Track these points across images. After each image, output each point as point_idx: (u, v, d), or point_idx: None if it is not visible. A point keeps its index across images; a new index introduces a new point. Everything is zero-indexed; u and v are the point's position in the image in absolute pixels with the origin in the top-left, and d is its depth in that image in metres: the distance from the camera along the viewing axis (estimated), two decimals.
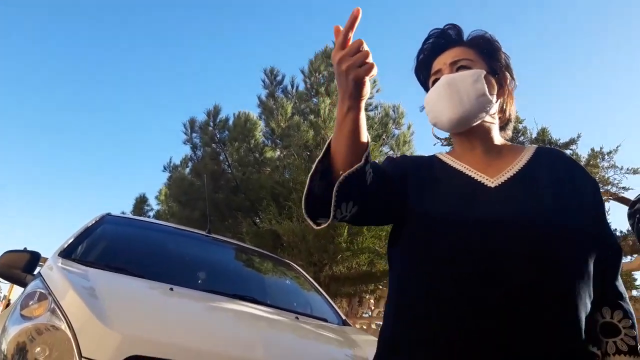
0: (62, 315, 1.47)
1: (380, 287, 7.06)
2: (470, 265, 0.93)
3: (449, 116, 1.07)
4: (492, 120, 1.13)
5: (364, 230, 6.46)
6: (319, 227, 0.98)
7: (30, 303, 1.58)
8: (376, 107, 10.08)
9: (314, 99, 9.38)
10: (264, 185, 7.82)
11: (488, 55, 1.14)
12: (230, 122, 9.56)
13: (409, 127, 9.74)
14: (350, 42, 0.85)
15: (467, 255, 0.94)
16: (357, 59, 0.85)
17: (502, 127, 1.19)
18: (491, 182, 1.03)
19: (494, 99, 1.10)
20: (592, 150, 4.96)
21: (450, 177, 1.09)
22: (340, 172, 0.91)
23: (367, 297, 7.56)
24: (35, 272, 2.18)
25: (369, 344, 2.20)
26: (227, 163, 9.30)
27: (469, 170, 1.08)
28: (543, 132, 5.07)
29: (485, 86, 1.07)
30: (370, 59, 0.85)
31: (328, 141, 0.96)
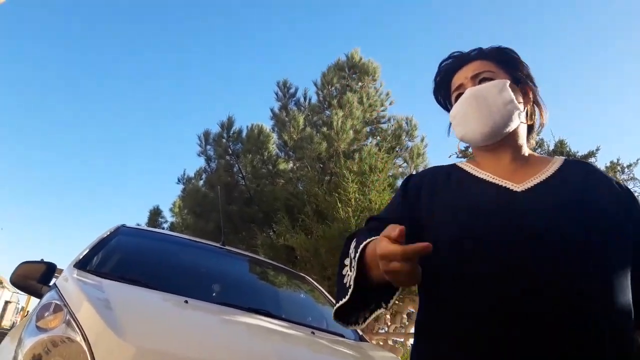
0: (78, 327, 1.46)
1: (397, 302, 6.97)
2: (487, 267, 0.92)
3: (480, 129, 1.06)
4: (521, 128, 1.11)
5: None
6: (352, 327, 1.05)
7: (46, 314, 1.57)
8: (389, 119, 10.08)
9: (327, 111, 9.41)
10: (278, 197, 7.83)
11: (508, 65, 1.14)
12: (244, 134, 9.64)
13: (422, 139, 9.71)
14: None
15: (481, 260, 0.93)
16: (395, 268, 0.80)
17: (528, 135, 1.17)
18: (517, 187, 1.01)
19: (522, 106, 1.09)
20: (611, 162, 4.89)
21: (470, 184, 1.08)
22: (378, 306, 1.00)
23: (383, 312, 7.47)
24: (51, 284, 2.18)
25: (385, 359, 2.16)
26: (241, 175, 9.34)
27: (493, 178, 1.06)
28: (561, 144, 5.01)
29: (512, 94, 1.05)
30: (406, 268, 0.79)
31: (362, 248, 0.96)
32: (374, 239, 0.93)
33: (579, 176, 1.04)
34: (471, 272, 0.93)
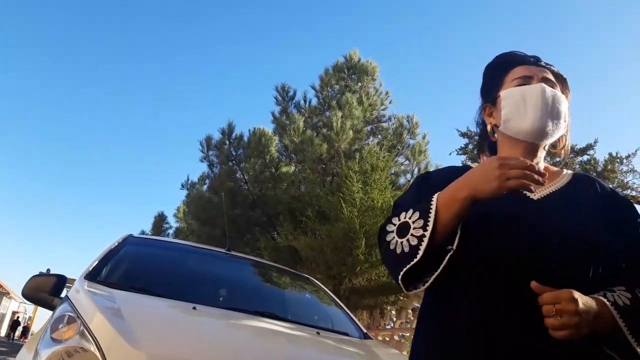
0: (91, 337, 1.52)
1: (401, 297, 7.03)
2: (504, 269, 0.99)
3: (537, 125, 1.09)
4: (551, 144, 1.18)
5: None
6: (412, 291, 1.06)
7: (60, 326, 1.63)
8: (389, 118, 10.11)
9: (327, 113, 9.45)
10: (281, 201, 7.88)
11: (562, 85, 1.19)
12: (245, 138, 9.67)
13: (424, 137, 9.72)
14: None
15: (502, 261, 1.00)
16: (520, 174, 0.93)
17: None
18: (533, 195, 1.09)
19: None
20: (610, 155, 4.92)
21: None
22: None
23: (389, 308, 7.53)
24: (63, 295, 2.24)
25: (390, 356, 2.21)
26: (243, 180, 9.39)
27: None
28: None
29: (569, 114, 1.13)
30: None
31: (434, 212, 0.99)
32: (440, 193, 1.01)
33: (584, 188, 1.13)
34: (484, 270, 1.01)
